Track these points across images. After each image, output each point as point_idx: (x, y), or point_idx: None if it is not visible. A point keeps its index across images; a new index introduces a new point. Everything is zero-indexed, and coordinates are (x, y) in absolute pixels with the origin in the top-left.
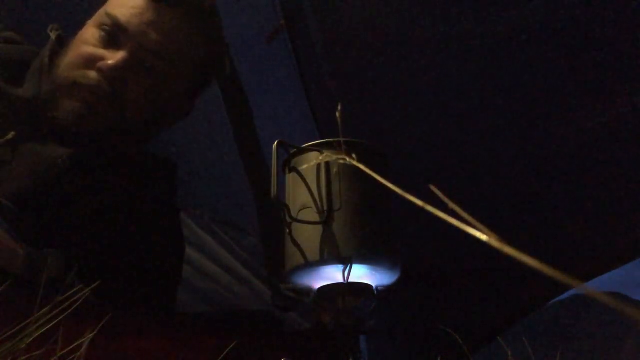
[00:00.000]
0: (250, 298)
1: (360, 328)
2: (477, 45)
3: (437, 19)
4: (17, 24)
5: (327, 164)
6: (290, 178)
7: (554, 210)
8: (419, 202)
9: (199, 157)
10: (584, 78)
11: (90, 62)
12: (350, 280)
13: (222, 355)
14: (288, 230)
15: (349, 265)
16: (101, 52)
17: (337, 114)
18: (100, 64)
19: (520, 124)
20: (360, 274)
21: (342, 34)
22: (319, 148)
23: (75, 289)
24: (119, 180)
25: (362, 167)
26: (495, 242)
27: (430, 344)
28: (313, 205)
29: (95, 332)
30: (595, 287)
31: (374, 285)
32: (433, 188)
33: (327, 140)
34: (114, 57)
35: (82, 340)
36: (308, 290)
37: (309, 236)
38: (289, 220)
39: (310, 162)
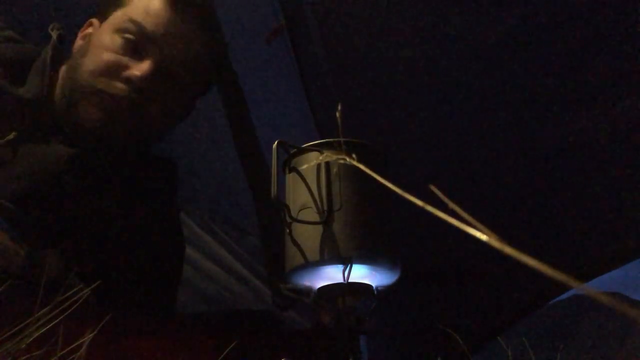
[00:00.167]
0: (250, 298)
1: (360, 328)
2: (477, 45)
3: (437, 19)
4: (17, 23)
5: (327, 164)
6: (290, 178)
7: (554, 210)
8: (419, 202)
9: (199, 157)
10: (584, 78)
11: (115, 70)
12: (350, 280)
13: (222, 355)
14: (288, 230)
15: (349, 265)
16: (125, 60)
17: (337, 114)
18: (128, 74)
19: (520, 124)
20: (360, 274)
21: (342, 34)
22: (319, 148)
23: (75, 289)
24: (120, 181)
25: (362, 167)
26: (495, 242)
27: (430, 344)
28: (313, 205)
29: (95, 332)
30: (595, 287)
31: (374, 285)
32: (433, 188)
33: (327, 140)
34: (140, 67)
35: (82, 340)
36: (308, 290)
37: (309, 236)
38: (289, 220)
39: (310, 162)
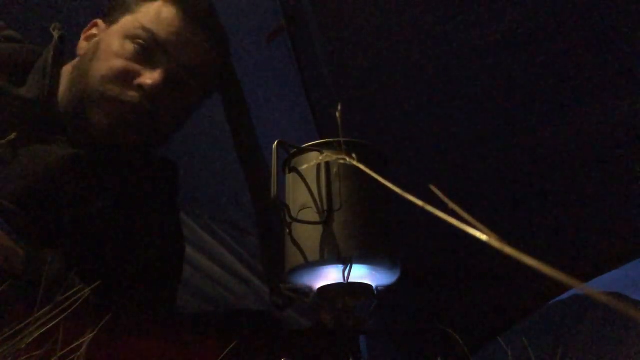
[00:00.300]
0: (250, 298)
1: (360, 328)
2: (477, 45)
3: (438, 19)
4: (17, 23)
5: (327, 164)
6: (290, 178)
7: (554, 210)
8: (419, 202)
9: (199, 157)
10: (585, 78)
11: (126, 77)
12: (350, 280)
13: (222, 355)
14: (288, 230)
15: (349, 265)
16: (136, 67)
17: (337, 114)
18: (140, 82)
19: (520, 124)
20: (360, 274)
21: (342, 34)
22: (319, 148)
23: (75, 289)
24: (120, 181)
25: (362, 167)
26: (495, 242)
27: (430, 344)
28: (313, 205)
29: (95, 332)
30: (595, 287)
31: (374, 285)
32: (433, 188)
33: (327, 140)
34: (151, 76)
35: (82, 340)
36: (308, 290)
37: (309, 236)
38: (289, 220)
39: (310, 162)
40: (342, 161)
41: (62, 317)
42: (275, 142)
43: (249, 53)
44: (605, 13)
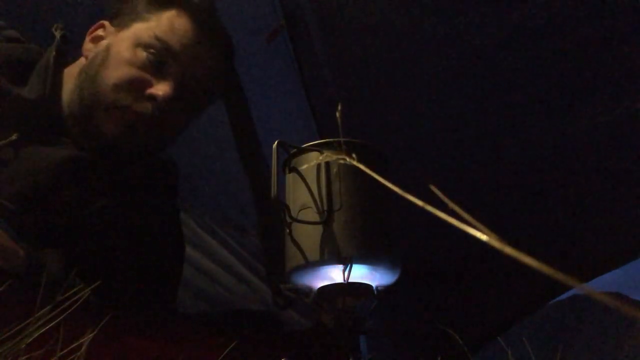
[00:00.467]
0: (250, 297)
1: (360, 328)
2: (477, 45)
3: (438, 19)
4: (18, 23)
5: (327, 164)
6: (290, 178)
7: (554, 211)
8: (419, 202)
9: (200, 157)
10: (585, 78)
11: (138, 86)
12: (350, 280)
13: (222, 355)
14: (288, 230)
15: (349, 265)
16: (148, 77)
17: (337, 114)
18: (153, 92)
19: (520, 124)
20: (360, 274)
21: (342, 34)
22: (319, 148)
23: (75, 289)
24: (120, 181)
25: (362, 167)
26: (495, 242)
27: (430, 344)
28: (313, 205)
29: (95, 332)
30: (595, 287)
31: (374, 285)
32: (433, 188)
33: (327, 140)
34: (164, 87)
35: (82, 340)
36: (308, 290)
37: (309, 236)
38: (289, 220)
39: (310, 162)
40: (342, 161)
41: (62, 317)
42: (275, 142)
43: (249, 53)
44: (605, 13)
